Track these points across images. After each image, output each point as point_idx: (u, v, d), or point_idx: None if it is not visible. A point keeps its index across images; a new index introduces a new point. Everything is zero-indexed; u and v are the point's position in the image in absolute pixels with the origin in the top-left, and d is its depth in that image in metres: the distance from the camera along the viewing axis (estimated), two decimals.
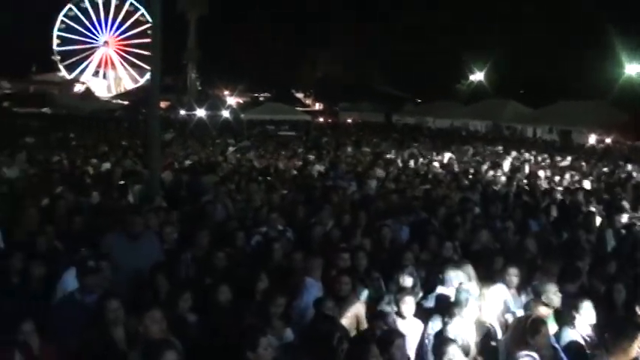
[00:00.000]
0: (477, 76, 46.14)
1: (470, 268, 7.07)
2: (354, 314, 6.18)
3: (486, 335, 5.91)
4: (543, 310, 5.95)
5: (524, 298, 6.74)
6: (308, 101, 72.67)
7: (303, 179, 14.56)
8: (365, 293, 6.82)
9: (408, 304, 6.08)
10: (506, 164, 19.13)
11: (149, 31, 13.26)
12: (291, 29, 65.44)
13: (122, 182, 12.40)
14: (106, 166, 15.80)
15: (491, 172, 16.56)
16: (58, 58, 75.10)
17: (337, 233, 8.57)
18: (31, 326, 4.87)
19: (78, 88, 71.31)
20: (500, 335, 6.00)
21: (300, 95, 72.63)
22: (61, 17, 74.02)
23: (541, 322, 5.33)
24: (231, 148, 22.21)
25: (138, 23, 73.02)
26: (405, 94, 59.87)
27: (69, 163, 16.67)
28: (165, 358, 4.42)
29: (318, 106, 70.93)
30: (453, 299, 6.17)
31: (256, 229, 8.83)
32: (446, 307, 6.04)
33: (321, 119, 55.45)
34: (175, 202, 10.79)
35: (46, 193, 10.86)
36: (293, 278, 6.86)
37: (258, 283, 6.25)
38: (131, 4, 74.58)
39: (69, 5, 74.21)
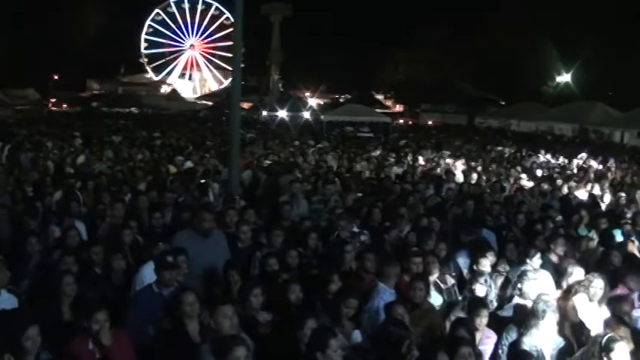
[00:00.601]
0: (564, 78, 44.60)
1: (549, 278, 6.84)
2: (426, 321, 6.09)
3: (562, 350, 5.69)
4: (621, 330, 5.61)
5: (605, 312, 6.38)
6: (388, 103, 72.17)
7: (379, 181, 14.49)
8: (439, 300, 6.71)
9: (481, 315, 5.92)
10: (591, 170, 18.39)
11: (233, 34, 13.53)
12: (372, 30, 65.32)
13: (203, 180, 12.73)
14: (189, 164, 16.24)
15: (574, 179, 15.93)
16: (146, 60, 77.81)
17: (413, 238, 8.49)
18: (104, 315, 5.05)
19: (164, 89, 73.67)
20: (576, 351, 5.75)
21: (380, 97, 72.26)
22: (148, 22, 76.67)
23: (617, 341, 5.04)
24: (311, 149, 22.36)
25: (222, 27, 74.69)
26: (488, 96, 58.56)
27: (153, 160, 17.24)
28: (235, 353, 4.49)
29: (398, 108, 70.41)
30: (530, 310, 5.94)
31: (330, 231, 8.87)
32: (523, 319, 5.87)
33: (401, 121, 54.96)
34: (253, 200, 10.98)
35: (131, 189, 11.33)
36: (365, 281, 6.83)
37: (330, 284, 6.26)
38: (216, 8, 76.40)
39: (157, 10, 76.80)
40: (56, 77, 68.26)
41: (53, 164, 15.59)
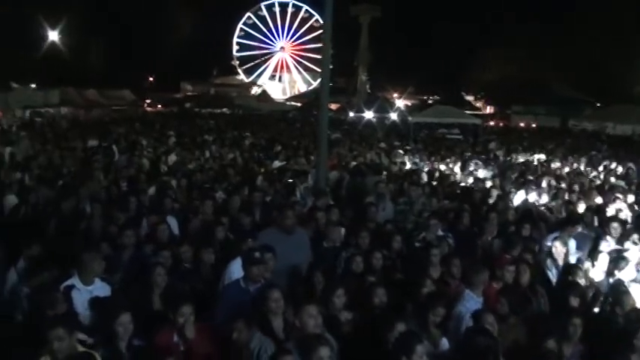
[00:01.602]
0: None
1: None
2: (513, 334, 5.87)
3: None
4: None
5: None
6: (478, 104, 70.69)
7: (468, 185, 14.21)
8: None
9: (575, 326, 5.68)
10: None
11: (322, 36, 13.66)
12: (461, 28, 64.07)
13: (291, 180, 12.90)
14: (277, 164, 16.50)
15: None
16: (237, 62, 79.69)
17: (499, 244, 8.28)
18: (190, 309, 5.22)
19: (255, 90, 75.14)
20: None
21: (470, 98, 70.89)
22: (240, 25, 78.50)
23: None
24: (400, 151, 22.21)
25: (312, 29, 75.42)
26: (583, 97, 56.25)
27: (243, 160, 17.63)
28: (319, 353, 4.52)
29: (488, 110, 68.81)
30: None
31: (416, 233, 8.79)
32: None
33: (492, 123, 53.62)
34: (338, 201, 11.03)
35: (221, 187, 11.64)
36: (451, 286, 6.73)
37: (421, 288, 6.20)
38: (306, 10, 77.27)
39: (248, 14, 78.49)
40: (151, 79, 70.96)
41: (148, 162, 16.21)
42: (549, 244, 8.34)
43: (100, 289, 5.99)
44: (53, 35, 38.46)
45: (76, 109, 40.34)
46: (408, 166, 18.06)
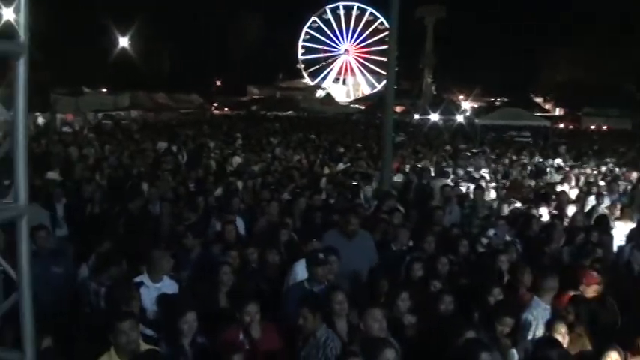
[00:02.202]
0: None
1: None
2: (579, 345, 5.66)
3: None
4: None
5: None
6: (547, 106, 68.80)
7: (537, 189, 13.84)
8: None
9: None
10: None
11: (387, 38, 13.59)
12: (529, 29, 62.61)
13: (355, 183, 12.88)
14: (342, 166, 16.51)
15: None
16: (302, 66, 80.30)
17: (569, 251, 8.02)
18: (255, 308, 5.26)
19: (319, 93, 75.44)
20: None
21: (538, 99, 69.12)
22: (305, 29, 79.06)
23: None
24: (467, 153, 21.87)
25: (377, 31, 75.20)
26: None
27: (307, 162, 17.72)
28: (384, 356, 4.47)
29: (558, 112, 66.92)
30: None
31: (479, 238, 8.62)
32: None
33: (561, 125, 52.12)
34: (403, 204, 10.93)
35: (287, 189, 11.73)
36: (519, 293, 6.54)
37: (488, 296, 6.06)
38: (371, 13, 77.12)
39: (313, 17, 78.98)
40: (218, 83, 72.26)
41: (215, 163, 16.50)
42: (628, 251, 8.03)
43: (168, 286, 6.12)
44: (124, 41, 39.67)
45: (146, 112, 41.41)
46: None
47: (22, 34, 2.20)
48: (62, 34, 36.43)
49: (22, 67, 2.22)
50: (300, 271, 6.48)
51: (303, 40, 79.44)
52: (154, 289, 5.99)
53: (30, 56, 2.23)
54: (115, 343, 4.62)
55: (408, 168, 16.22)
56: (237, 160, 17.32)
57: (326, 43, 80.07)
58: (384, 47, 60.82)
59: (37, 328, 2.35)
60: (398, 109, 45.06)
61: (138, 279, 6.06)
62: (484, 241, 8.55)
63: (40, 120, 30.85)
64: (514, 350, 5.37)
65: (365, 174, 14.12)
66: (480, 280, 6.65)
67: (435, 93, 59.82)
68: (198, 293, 6.25)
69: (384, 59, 59.00)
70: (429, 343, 5.36)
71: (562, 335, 5.30)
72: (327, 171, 15.76)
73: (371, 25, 77.42)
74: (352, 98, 76.78)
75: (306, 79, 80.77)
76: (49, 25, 28.26)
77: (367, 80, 79.87)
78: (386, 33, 62.33)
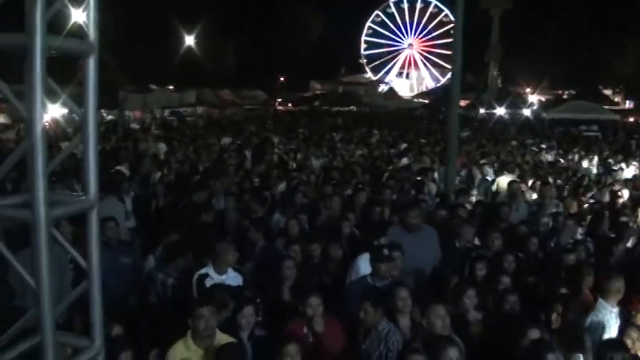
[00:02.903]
0: None
1: None
2: None
3: None
4: None
5: None
6: (617, 98, 66.29)
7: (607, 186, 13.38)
8: None
9: None
10: None
11: (452, 31, 13.39)
12: (598, 19, 60.40)
13: (418, 178, 12.75)
14: (404, 162, 16.37)
15: None
16: (365, 60, 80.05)
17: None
18: (318, 301, 5.29)
19: (382, 88, 75.08)
20: None
21: (608, 92, 66.71)
22: (368, 23, 78.77)
23: None
24: (534, 148, 21.33)
25: (441, 24, 74.29)
26: None
27: (370, 157, 17.66)
28: (447, 354, 4.42)
29: (627, 104, 64.36)
30: None
31: (550, 236, 8.40)
32: None
33: (631, 119, 50.13)
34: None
35: (349, 184, 11.73)
36: (584, 294, 6.33)
37: (555, 296, 5.88)
38: (435, 6, 76.20)
39: (376, 12, 78.57)
40: (282, 79, 72.86)
41: (278, 158, 16.65)
42: None
43: (233, 278, 6.21)
44: (189, 40, 40.51)
45: (211, 109, 42.17)
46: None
47: (92, 33, 2.27)
48: (130, 34, 37.39)
49: (91, 66, 2.28)
50: (363, 265, 6.47)
51: (366, 35, 79.16)
52: (218, 280, 6.10)
53: (99, 56, 2.30)
54: (193, 329, 4.74)
55: (472, 163, 15.95)
56: (302, 155, 17.43)
57: (389, 37, 79.53)
58: (449, 40, 60.15)
59: (105, 317, 2.43)
60: (462, 103, 44.27)
61: (203, 271, 6.19)
62: (555, 238, 8.31)
63: (109, 117, 31.82)
64: (580, 355, 5.23)
65: (428, 169, 13.97)
66: (546, 279, 6.48)
67: (500, 86, 58.54)
68: (261, 287, 6.34)
69: (449, 52, 58.40)
70: (494, 342, 5.27)
71: (633, 341, 5.12)
72: (389, 166, 15.65)
73: (435, 18, 76.48)
74: (415, 92, 76.01)
75: (369, 74, 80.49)
76: (117, 26, 29.10)
77: (431, 74, 79.00)
78: (450, 25, 61.68)
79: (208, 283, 6.04)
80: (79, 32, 2.28)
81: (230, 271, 6.27)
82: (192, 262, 6.72)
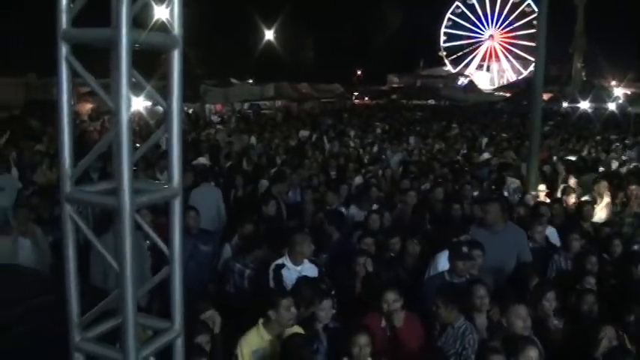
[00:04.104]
0: None
1: None
2: None
3: None
4: None
5: None
6: None
7: None
8: None
9: None
10: None
11: (534, 22, 13.00)
12: None
13: (499, 174, 12.48)
14: (485, 156, 16.05)
15: None
16: (444, 53, 78.79)
17: None
18: (394, 296, 5.27)
19: (461, 80, 73.77)
20: None
21: None
22: (448, 15, 77.40)
23: None
24: (619, 144, 20.43)
25: (523, 14, 72.16)
26: None
27: (450, 152, 17.42)
28: (527, 353, 4.33)
29: None
30: None
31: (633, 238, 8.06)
32: None
33: None
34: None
35: (427, 179, 11.62)
36: None
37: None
38: None
39: (456, 3, 77.10)
40: (359, 72, 72.77)
41: (355, 152, 16.67)
42: None
43: (308, 269, 6.28)
44: (269, 34, 41.14)
45: (290, 102, 42.66)
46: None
47: (176, 27, 2.34)
48: (211, 29, 38.32)
49: (176, 59, 2.35)
50: (443, 262, 6.40)
51: (446, 27, 77.82)
52: (294, 271, 6.19)
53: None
54: (274, 319, 4.85)
55: (555, 159, 15.45)
56: (377, 149, 17.40)
57: (469, 28, 77.90)
58: (531, 31, 58.49)
59: (185, 302, 2.51)
60: (545, 96, 42.95)
61: (279, 261, 6.28)
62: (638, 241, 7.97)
63: (191, 110, 32.66)
64: None
65: (508, 164, 13.65)
66: (628, 283, 6.23)
67: (585, 79, 56.43)
68: (336, 279, 6.38)
69: (531, 44, 56.86)
70: (574, 346, 5.11)
71: None
72: (469, 161, 15.38)
73: (517, 8, 74.18)
74: (496, 85, 74.22)
75: (449, 67, 79.23)
76: (199, 21, 29.88)
77: (513, 66, 76.92)
78: (533, 16, 60.02)
79: (285, 273, 6.14)
80: (162, 27, 2.35)
81: (306, 262, 6.34)
82: (267, 252, 6.82)
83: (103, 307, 2.43)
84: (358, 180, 11.71)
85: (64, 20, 2.21)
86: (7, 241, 7.11)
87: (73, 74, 2.26)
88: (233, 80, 35.87)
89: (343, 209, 9.11)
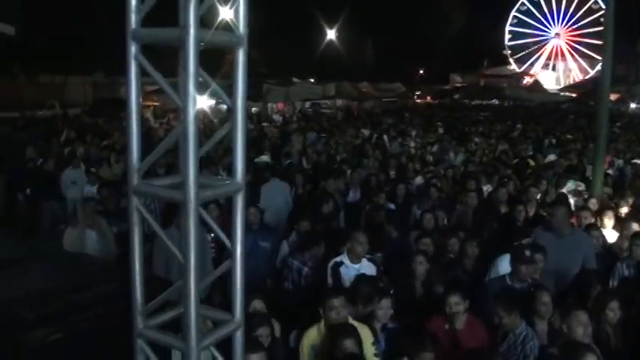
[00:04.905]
0: None
1: None
2: None
3: None
4: None
5: None
6: None
7: None
8: None
9: None
10: None
11: (602, 19, 12.63)
12: None
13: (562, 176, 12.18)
14: (551, 158, 15.67)
15: None
16: (509, 52, 77.21)
17: None
18: (456, 299, 5.24)
19: (526, 80, 72.17)
20: None
21: None
22: (513, 13, 75.76)
23: None
24: None
25: (590, 12, 69.94)
26: None
27: (512, 153, 17.10)
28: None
29: None
30: None
31: None
32: None
33: None
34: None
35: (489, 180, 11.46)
36: None
37: None
38: None
39: (521, 0, 75.48)
40: (421, 71, 72.14)
41: (416, 151, 16.57)
42: None
43: (366, 268, 6.27)
44: (331, 34, 41.32)
45: (350, 101, 42.70)
46: None
47: (241, 26, 2.40)
48: (273, 29, 38.71)
49: (241, 57, 2.42)
50: (504, 265, 6.29)
51: (511, 25, 76.17)
52: (352, 269, 6.20)
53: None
54: (325, 318, 4.88)
55: (621, 162, 14.95)
56: (436, 148, 17.24)
57: (535, 26, 76.03)
58: (599, 29, 56.64)
59: (245, 295, 2.57)
60: (612, 96, 41.64)
61: (338, 259, 6.31)
62: None
63: (254, 109, 33.12)
64: None
65: (572, 167, 13.30)
66: None
67: None
68: (394, 279, 6.36)
69: (599, 42, 55.04)
70: (635, 358, 4.99)
71: None
72: (534, 163, 15.04)
73: (584, 5, 72.01)
74: (562, 85, 72.28)
75: (513, 66, 77.62)
76: (261, 21, 30.28)
77: (579, 65, 74.67)
78: (601, 13, 58.08)
79: (343, 271, 6.17)
80: (225, 27, 2.42)
81: (364, 260, 6.35)
82: (324, 250, 6.87)
83: (166, 297, 2.51)
84: (419, 180, 11.64)
85: (133, 20, 2.30)
86: (75, 233, 7.43)
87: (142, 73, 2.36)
88: (294, 79, 36.18)
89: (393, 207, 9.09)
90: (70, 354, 2.74)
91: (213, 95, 2.46)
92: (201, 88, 2.27)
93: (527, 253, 5.99)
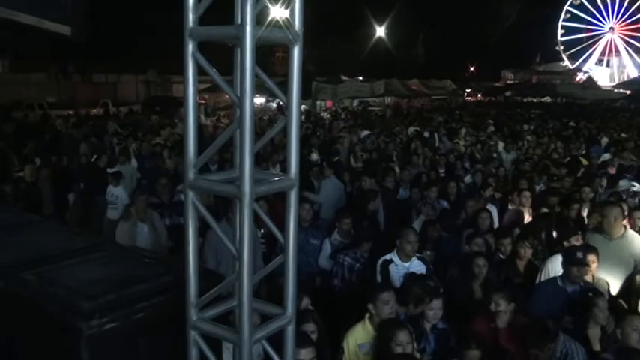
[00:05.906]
0: None
1: None
2: None
3: None
4: None
5: None
6: None
7: None
8: None
9: None
10: None
11: None
12: None
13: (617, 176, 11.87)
14: (605, 157, 15.23)
15: None
16: (562, 47, 75.52)
17: None
18: (500, 299, 5.14)
19: (579, 76, 70.52)
20: None
21: None
22: (567, 7, 74.05)
23: None
24: None
25: None
26: None
27: (564, 151, 16.75)
28: None
29: None
30: None
31: None
32: None
33: None
34: None
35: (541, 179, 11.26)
36: None
37: None
38: None
39: None
40: (472, 68, 71.26)
41: (467, 150, 16.37)
42: None
43: (416, 266, 6.25)
44: (380, 31, 41.15)
45: (399, 99, 42.44)
46: None
47: (297, 23, 2.43)
48: (322, 26, 38.80)
49: (295, 55, 2.45)
50: (555, 266, 6.14)
51: (564, 20, 74.47)
52: (402, 267, 6.19)
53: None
54: (375, 313, 4.89)
55: None
56: (500, 147, 16.99)
57: (589, 21, 74.16)
58: None
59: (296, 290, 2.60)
60: None
61: (387, 257, 6.30)
62: None
63: (303, 107, 33.24)
64: None
65: (627, 166, 12.93)
66: None
67: None
68: (449, 280, 6.30)
69: None
70: None
71: None
72: (586, 162, 14.68)
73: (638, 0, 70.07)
74: (616, 82, 70.34)
75: (566, 62, 75.92)
76: (310, 19, 30.43)
77: (634, 62, 72.53)
78: None
79: (392, 269, 6.15)
80: (276, 25, 2.45)
81: (414, 258, 6.32)
82: (369, 247, 6.86)
83: (219, 290, 2.56)
84: (468, 179, 11.51)
85: (190, 19, 2.36)
86: (127, 226, 7.60)
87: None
88: (343, 77, 36.18)
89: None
90: (124, 343, 2.82)
91: (267, 92, 2.50)
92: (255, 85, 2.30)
93: (580, 254, 5.85)
